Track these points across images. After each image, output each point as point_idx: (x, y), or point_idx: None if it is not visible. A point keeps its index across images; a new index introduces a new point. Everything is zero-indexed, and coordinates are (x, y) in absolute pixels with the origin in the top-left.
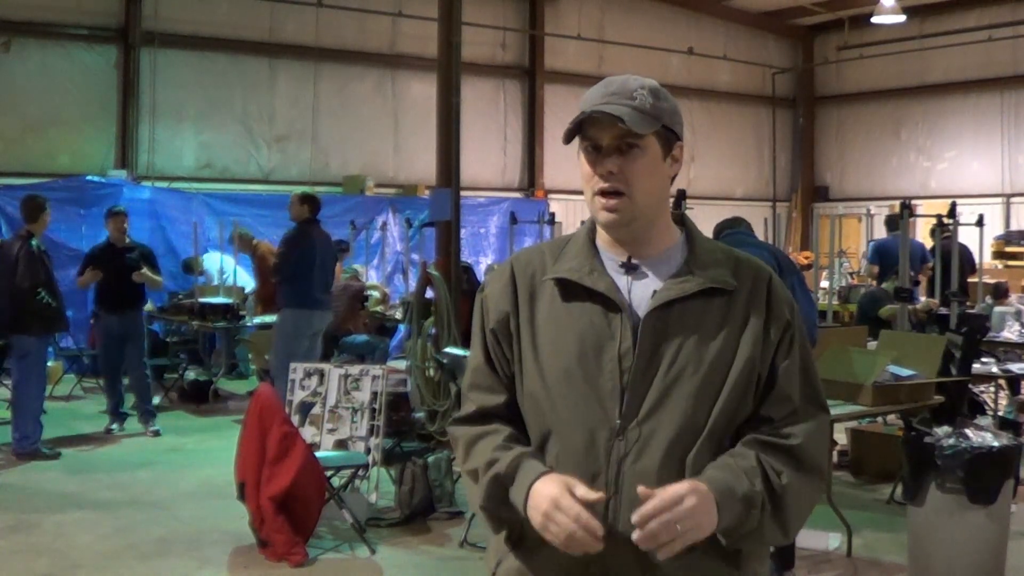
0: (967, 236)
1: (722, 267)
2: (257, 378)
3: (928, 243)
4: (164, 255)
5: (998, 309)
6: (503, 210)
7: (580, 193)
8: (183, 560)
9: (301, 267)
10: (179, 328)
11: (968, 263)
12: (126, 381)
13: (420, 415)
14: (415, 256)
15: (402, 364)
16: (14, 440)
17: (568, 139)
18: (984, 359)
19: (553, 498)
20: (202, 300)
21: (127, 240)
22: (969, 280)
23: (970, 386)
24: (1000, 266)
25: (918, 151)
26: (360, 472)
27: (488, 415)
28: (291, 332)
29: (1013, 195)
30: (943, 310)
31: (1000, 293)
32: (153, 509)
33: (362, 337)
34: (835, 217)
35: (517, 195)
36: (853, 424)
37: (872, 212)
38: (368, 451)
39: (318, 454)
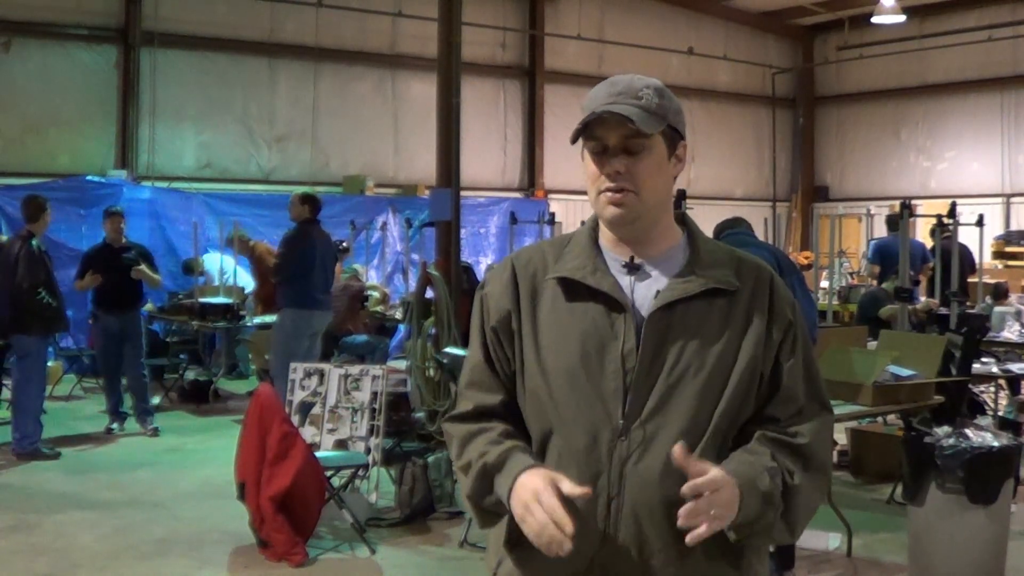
0: (967, 236)
1: (724, 267)
2: (257, 378)
3: (928, 243)
4: (164, 255)
5: (998, 309)
6: (503, 210)
7: (580, 193)
8: (183, 560)
9: (301, 267)
10: (179, 328)
11: (968, 263)
12: (125, 381)
13: (420, 415)
14: (415, 256)
15: (402, 364)
16: (14, 440)
17: (576, 139)
18: (984, 359)
19: (535, 490)
20: (202, 300)
21: (124, 240)
22: (969, 280)
23: (970, 386)
24: (1000, 266)
25: (918, 151)
26: (360, 472)
27: (485, 413)
28: (291, 332)
29: (1013, 195)
30: (943, 310)
31: (1000, 294)
32: (153, 509)
33: (362, 337)
34: (835, 217)
35: (517, 195)
36: (853, 424)
37: (872, 212)
38: (368, 451)
39: (318, 454)
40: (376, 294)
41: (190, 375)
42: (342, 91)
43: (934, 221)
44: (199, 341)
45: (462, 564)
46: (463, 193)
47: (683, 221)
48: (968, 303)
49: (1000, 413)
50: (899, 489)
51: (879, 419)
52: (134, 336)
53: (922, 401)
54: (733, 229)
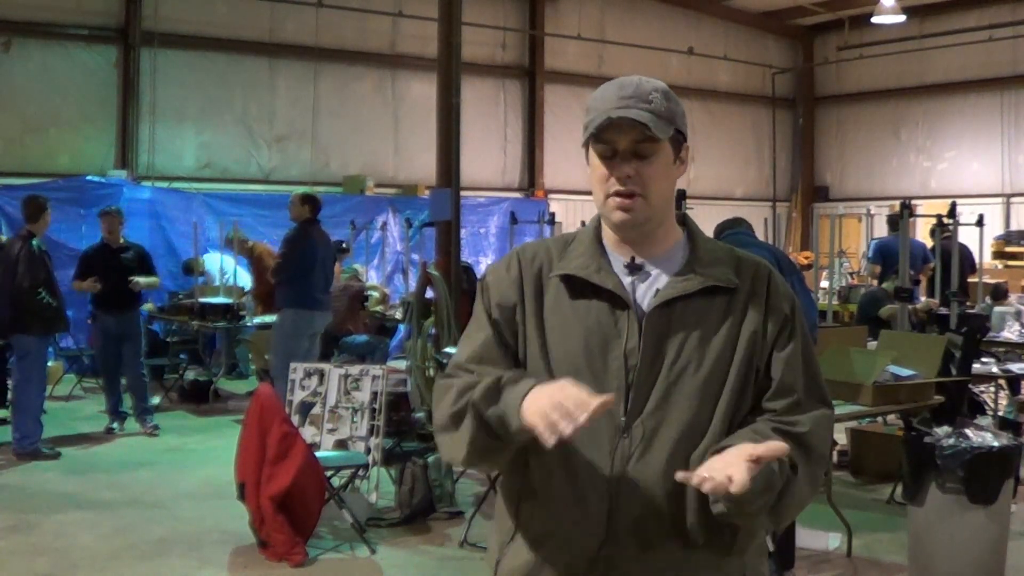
0: (967, 236)
1: (724, 266)
2: (257, 378)
3: (928, 243)
4: (164, 255)
5: (998, 309)
6: (503, 210)
7: (580, 193)
8: (183, 560)
9: (302, 268)
10: (179, 328)
11: (968, 263)
12: (125, 381)
13: (420, 415)
14: (415, 256)
15: (402, 364)
16: (14, 440)
17: (587, 142)
18: (984, 359)
19: (558, 387)
20: (202, 300)
21: (122, 240)
22: (969, 280)
23: (970, 386)
24: (1000, 266)
25: (918, 151)
26: (360, 472)
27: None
28: (291, 332)
29: (1013, 195)
30: (943, 310)
31: (999, 295)
32: (153, 509)
33: (362, 337)
34: (835, 217)
35: (517, 195)
36: (853, 424)
37: (872, 212)
38: (368, 451)
39: (318, 454)
40: (376, 294)
41: (190, 375)
42: (342, 91)
43: (934, 221)
44: (199, 341)
45: (462, 564)
46: (463, 193)
47: (683, 222)
48: (968, 303)
49: (1000, 413)
50: (899, 489)
51: (879, 419)
52: (133, 336)
53: (922, 401)
54: (733, 229)
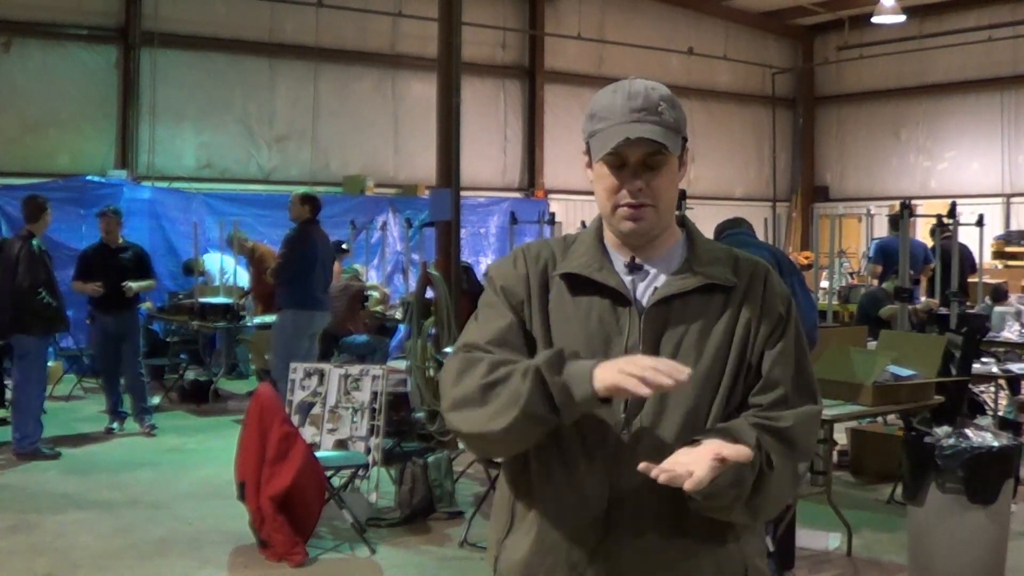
0: (967, 236)
1: (722, 265)
2: (257, 378)
3: (928, 243)
4: (164, 255)
5: (998, 309)
6: (503, 210)
7: (580, 193)
8: (183, 560)
9: (302, 268)
10: (179, 328)
11: (968, 263)
12: (124, 380)
13: (420, 415)
14: (415, 256)
15: (402, 364)
16: (14, 440)
17: (600, 157)
18: (984, 359)
19: (630, 357)
20: (202, 300)
21: (121, 240)
22: (969, 280)
23: (970, 386)
24: (1000, 266)
25: (918, 151)
26: (360, 472)
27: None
28: (291, 333)
29: (1013, 195)
30: (943, 310)
31: (999, 296)
32: (153, 509)
33: (362, 337)
34: (835, 217)
35: (517, 195)
36: (853, 424)
37: (872, 212)
38: (368, 451)
39: (318, 454)
40: (376, 294)
41: (190, 375)
42: (342, 91)
43: (934, 221)
44: (199, 341)
45: (462, 564)
46: (463, 193)
47: (682, 223)
48: (968, 303)
49: (1000, 413)
50: (899, 489)
51: (879, 419)
52: (131, 336)
53: (922, 401)
54: (734, 229)
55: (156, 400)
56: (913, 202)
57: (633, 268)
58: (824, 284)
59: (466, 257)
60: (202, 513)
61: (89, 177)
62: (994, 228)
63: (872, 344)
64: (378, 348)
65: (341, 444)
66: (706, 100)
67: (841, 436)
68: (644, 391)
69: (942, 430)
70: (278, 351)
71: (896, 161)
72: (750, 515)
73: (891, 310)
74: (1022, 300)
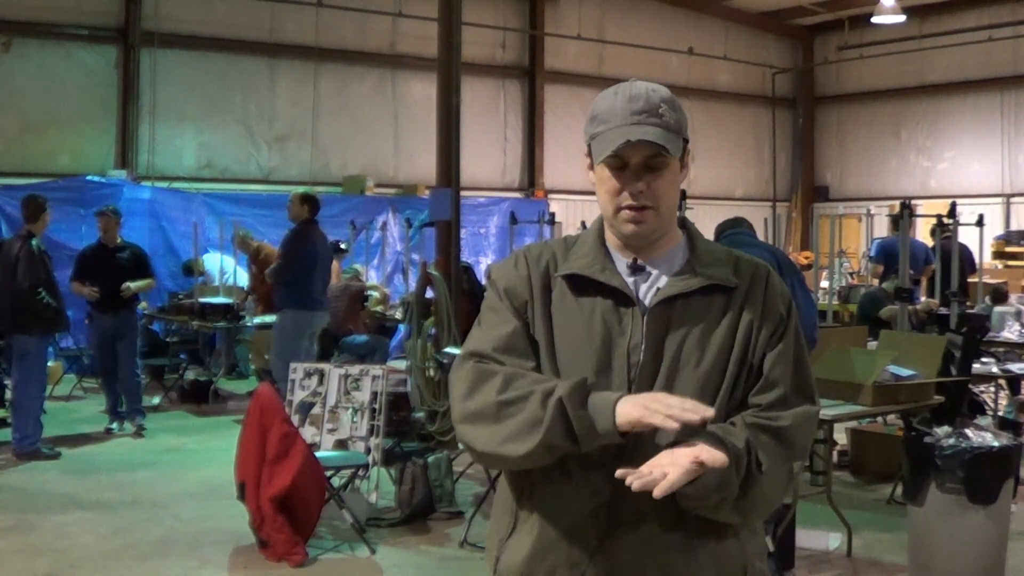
0: (967, 236)
1: (723, 266)
2: (257, 378)
3: (928, 243)
4: (164, 255)
5: (998, 309)
6: (503, 210)
7: (580, 193)
8: (183, 560)
9: (302, 268)
10: (179, 328)
11: (968, 263)
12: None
13: (420, 415)
14: (415, 256)
15: (402, 364)
16: (14, 440)
17: (601, 159)
18: (984, 359)
19: (652, 395)
20: (202, 300)
21: (119, 240)
22: (969, 280)
23: (970, 386)
24: (1000, 266)
25: (918, 151)
26: (360, 472)
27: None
28: (292, 333)
29: (1013, 195)
30: (943, 310)
31: (999, 296)
32: (153, 509)
33: (362, 337)
34: (835, 217)
35: (517, 195)
36: (853, 424)
37: (872, 212)
38: (368, 451)
39: (318, 454)
40: (376, 294)
41: (190, 375)
42: (342, 91)
43: (934, 221)
44: (199, 341)
45: (462, 564)
46: (463, 193)
47: (683, 224)
48: (968, 303)
49: (1000, 413)
50: (899, 489)
51: (879, 419)
52: (129, 335)
53: (922, 401)
54: (734, 229)
55: (156, 400)
56: (913, 202)
57: (635, 269)
58: (824, 284)
59: (466, 257)
60: (202, 513)
61: (89, 177)
62: (994, 228)
63: (872, 344)
64: (378, 348)
65: (341, 444)
66: (706, 100)
67: (841, 436)
68: (672, 425)
69: (942, 430)
70: (279, 351)
71: (896, 161)
72: (739, 516)
73: (891, 310)
74: (1022, 300)
